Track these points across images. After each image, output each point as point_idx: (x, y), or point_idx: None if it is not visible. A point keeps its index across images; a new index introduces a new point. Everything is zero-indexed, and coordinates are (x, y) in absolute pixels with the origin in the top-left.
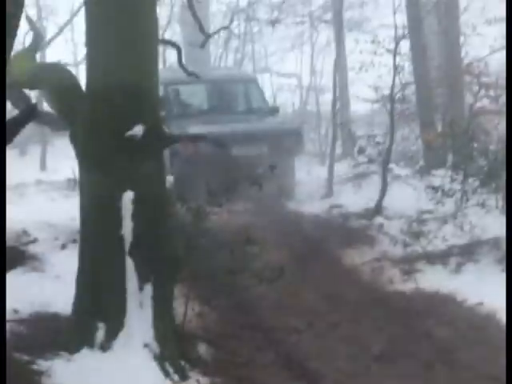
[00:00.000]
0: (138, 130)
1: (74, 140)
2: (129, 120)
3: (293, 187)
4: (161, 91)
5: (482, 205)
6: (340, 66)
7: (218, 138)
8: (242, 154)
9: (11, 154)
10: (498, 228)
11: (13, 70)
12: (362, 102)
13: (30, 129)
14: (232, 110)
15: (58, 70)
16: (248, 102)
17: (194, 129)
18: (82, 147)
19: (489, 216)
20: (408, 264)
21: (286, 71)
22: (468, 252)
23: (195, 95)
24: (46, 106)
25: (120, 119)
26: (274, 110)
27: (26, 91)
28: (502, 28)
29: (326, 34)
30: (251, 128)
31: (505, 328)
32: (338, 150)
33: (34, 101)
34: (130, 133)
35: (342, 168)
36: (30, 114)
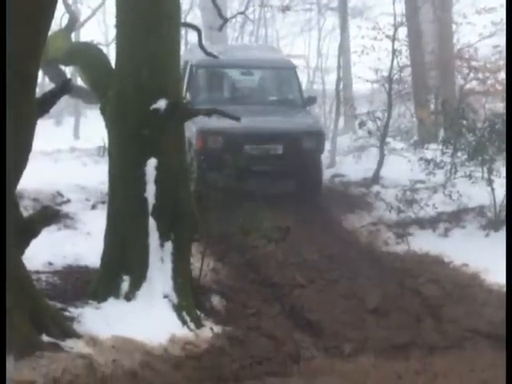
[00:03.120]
0: (162, 103)
1: (104, 112)
2: (153, 94)
3: (318, 187)
4: (190, 72)
5: (470, 176)
6: (344, 50)
7: (231, 134)
8: (254, 153)
9: (48, 123)
10: (483, 197)
11: (50, 49)
12: (363, 82)
13: (64, 101)
14: (263, 100)
15: (91, 48)
16: (282, 92)
17: (206, 121)
18: (111, 118)
19: (475, 186)
20: (401, 228)
21: (295, 53)
22: (455, 218)
23: (226, 80)
24: (79, 81)
25: (145, 94)
26: (311, 101)
27: (62, 67)
28: (490, 17)
29: (331, 20)
30: (266, 126)
31: (487, 287)
32: (341, 125)
33: (68, 76)
34: (154, 106)
35: (344, 141)
36: (65, 87)
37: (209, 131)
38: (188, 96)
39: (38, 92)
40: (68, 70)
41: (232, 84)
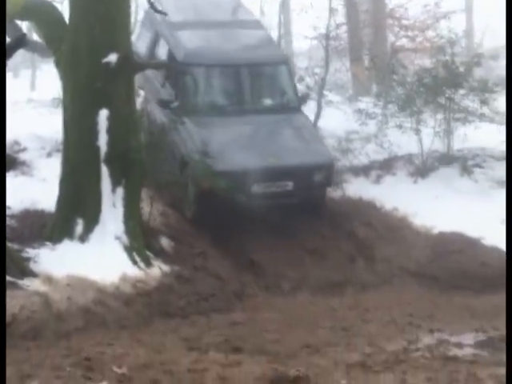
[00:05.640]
0: (113, 57)
1: (59, 65)
2: (105, 49)
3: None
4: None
5: (399, 126)
6: (285, 8)
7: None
8: (262, 192)
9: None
10: (411, 146)
11: (8, 4)
12: (302, 38)
13: (21, 55)
14: (257, 106)
15: (46, 5)
16: (276, 92)
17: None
18: (65, 71)
19: (404, 136)
20: (337, 175)
21: None
22: (386, 166)
23: (216, 80)
24: (35, 36)
25: (97, 48)
26: (304, 99)
27: (19, 22)
28: None
29: None
30: (276, 164)
31: (415, 229)
32: None
33: (24, 31)
34: (105, 60)
35: None
36: (21, 41)
37: (216, 173)
38: (173, 95)
39: None
40: (24, 26)
41: (223, 85)
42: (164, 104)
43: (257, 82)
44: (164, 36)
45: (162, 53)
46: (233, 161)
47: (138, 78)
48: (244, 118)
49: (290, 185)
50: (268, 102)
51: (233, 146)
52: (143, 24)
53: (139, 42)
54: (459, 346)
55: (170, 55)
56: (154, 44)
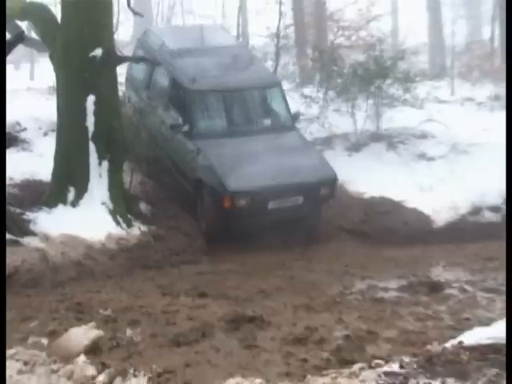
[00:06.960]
0: (98, 52)
1: (53, 58)
2: (91, 45)
3: (316, 225)
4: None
5: (338, 110)
6: (242, 11)
7: (258, 193)
8: (276, 207)
9: (8, 68)
10: (347, 126)
11: (8, 5)
12: (257, 37)
13: (21, 50)
14: (257, 127)
15: (41, 7)
16: (273, 113)
17: (231, 178)
18: (58, 64)
19: (342, 118)
20: None
21: (205, 13)
22: (327, 142)
23: (218, 104)
24: (33, 34)
25: (85, 44)
26: (297, 117)
27: (19, 22)
28: None
29: None
30: (290, 181)
31: (350, 195)
32: None
33: (24, 29)
34: (92, 54)
35: None
36: (19, 37)
37: (237, 193)
38: (180, 120)
39: None
40: (23, 25)
41: (226, 109)
42: (174, 128)
43: (255, 104)
44: (163, 64)
45: (161, 80)
46: (250, 181)
47: (130, 105)
48: (248, 138)
49: (300, 199)
50: (267, 122)
51: (245, 166)
52: (136, 51)
53: (132, 69)
54: (385, 289)
55: (173, 82)
56: (151, 71)
